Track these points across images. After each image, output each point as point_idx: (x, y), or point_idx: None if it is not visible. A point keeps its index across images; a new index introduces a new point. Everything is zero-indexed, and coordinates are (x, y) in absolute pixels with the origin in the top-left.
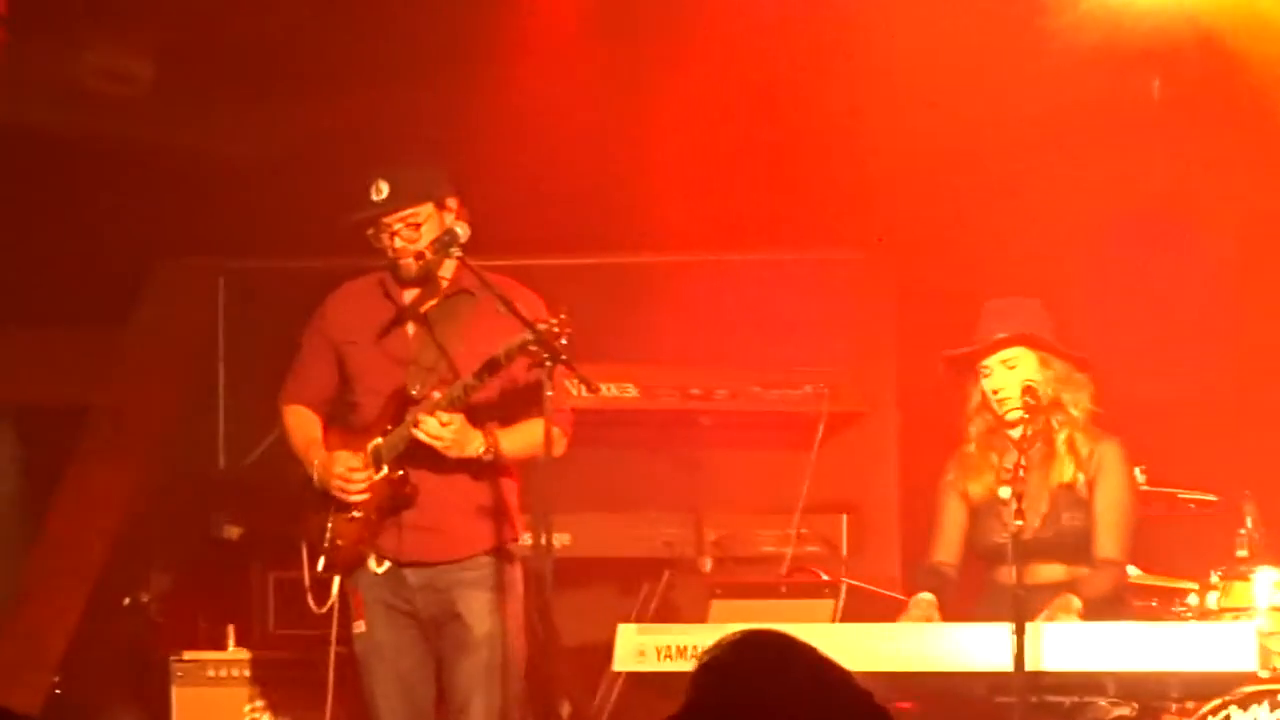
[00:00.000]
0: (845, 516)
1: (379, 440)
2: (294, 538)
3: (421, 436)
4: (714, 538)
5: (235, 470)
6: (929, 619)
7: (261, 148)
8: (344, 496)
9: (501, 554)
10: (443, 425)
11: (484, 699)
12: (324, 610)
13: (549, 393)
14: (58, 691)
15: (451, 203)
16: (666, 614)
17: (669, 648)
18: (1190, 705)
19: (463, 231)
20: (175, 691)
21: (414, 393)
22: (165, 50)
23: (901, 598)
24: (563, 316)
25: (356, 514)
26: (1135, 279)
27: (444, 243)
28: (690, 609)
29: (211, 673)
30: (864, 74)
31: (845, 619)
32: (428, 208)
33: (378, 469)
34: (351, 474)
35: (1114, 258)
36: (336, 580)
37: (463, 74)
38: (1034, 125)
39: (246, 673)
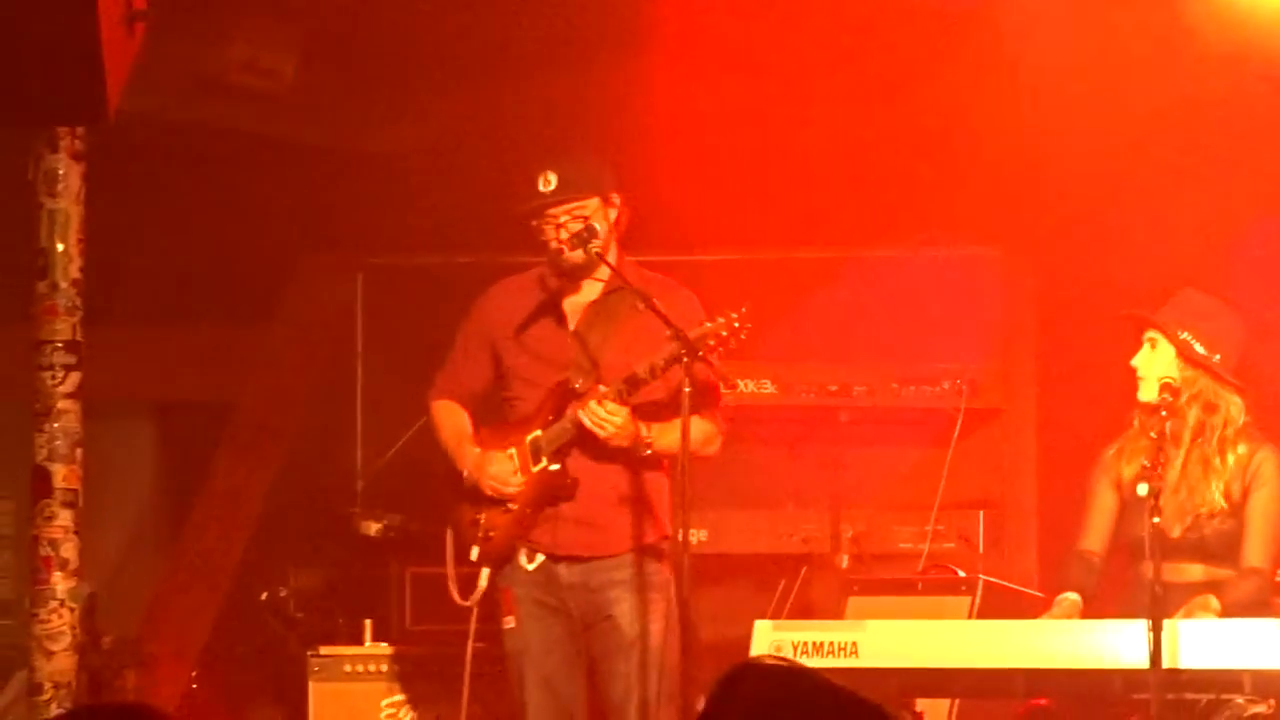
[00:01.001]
0: (982, 513)
1: (539, 433)
2: (441, 528)
3: (588, 422)
4: (851, 534)
5: (373, 466)
6: (1071, 616)
7: (403, 142)
8: (496, 494)
9: (654, 552)
10: (609, 414)
11: (639, 701)
12: (469, 603)
13: (687, 389)
14: (195, 687)
15: (616, 197)
16: (803, 610)
17: (805, 644)
18: None
19: (601, 228)
20: (312, 686)
21: (577, 386)
22: (308, 44)
23: (1039, 595)
24: (743, 310)
25: (511, 506)
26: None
27: (581, 239)
28: (827, 605)
29: (348, 668)
30: (1009, 70)
31: (981, 616)
32: (594, 201)
33: (536, 461)
34: (507, 476)
35: (1259, 256)
36: (485, 573)
37: (610, 65)
38: (1181, 121)
39: (384, 668)
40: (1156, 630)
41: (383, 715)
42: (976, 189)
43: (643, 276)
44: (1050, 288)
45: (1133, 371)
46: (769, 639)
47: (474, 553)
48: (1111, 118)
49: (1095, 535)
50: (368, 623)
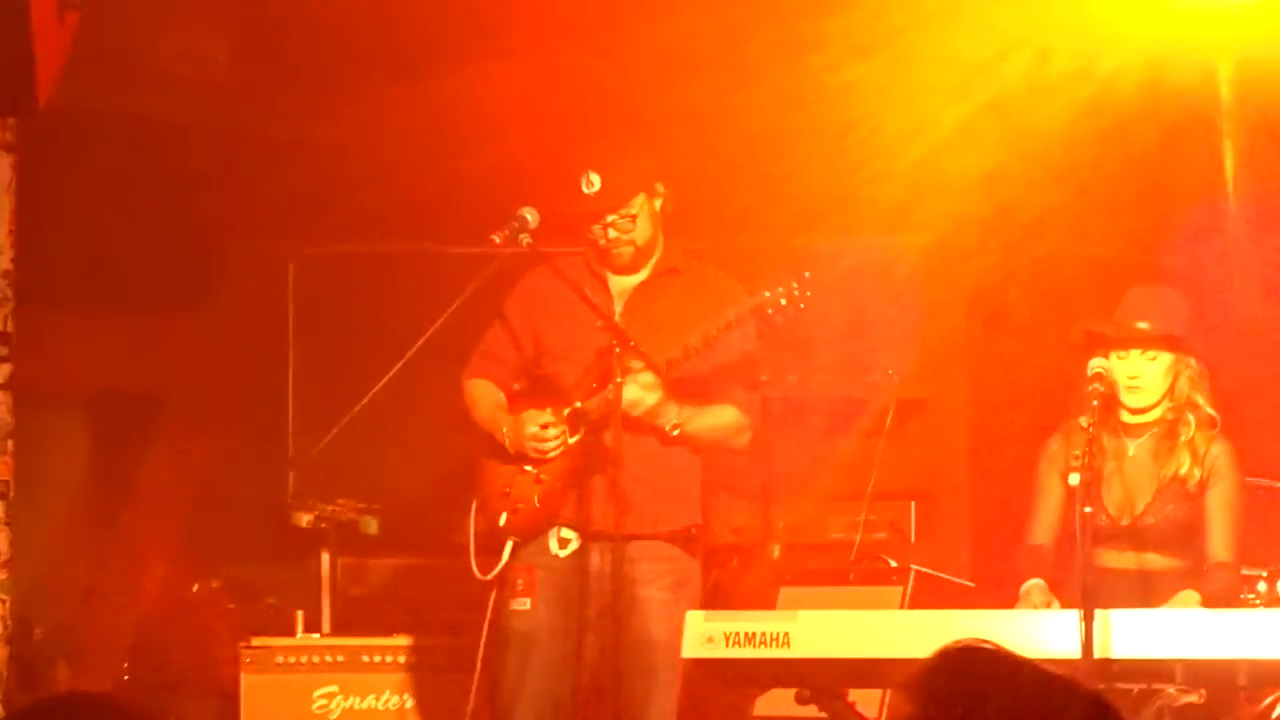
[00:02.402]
0: (914, 503)
1: (579, 404)
2: (377, 516)
3: (627, 396)
4: (783, 524)
5: (305, 457)
6: (1048, 605)
7: (337, 131)
8: (538, 453)
9: (686, 542)
10: (644, 388)
11: (660, 702)
12: (489, 577)
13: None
14: (126, 678)
15: (660, 187)
16: (735, 601)
17: (738, 634)
18: (1259, 694)
19: (532, 218)
20: (244, 678)
21: (620, 354)
22: (241, 32)
23: (970, 584)
24: (806, 276)
25: (544, 476)
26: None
27: (513, 229)
28: (759, 596)
29: (280, 659)
30: (929, 54)
31: (914, 606)
32: (640, 199)
33: (574, 432)
34: (545, 430)
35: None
36: (509, 546)
37: (553, 51)
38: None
39: (316, 659)
40: (1089, 620)
41: (314, 706)
42: (898, 176)
43: (690, 265)
44: (978, 275)
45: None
46: (700, 629)
47: (502, 518)
48: (1039, 99)
49: (1044, 527)
50: (299, 614)
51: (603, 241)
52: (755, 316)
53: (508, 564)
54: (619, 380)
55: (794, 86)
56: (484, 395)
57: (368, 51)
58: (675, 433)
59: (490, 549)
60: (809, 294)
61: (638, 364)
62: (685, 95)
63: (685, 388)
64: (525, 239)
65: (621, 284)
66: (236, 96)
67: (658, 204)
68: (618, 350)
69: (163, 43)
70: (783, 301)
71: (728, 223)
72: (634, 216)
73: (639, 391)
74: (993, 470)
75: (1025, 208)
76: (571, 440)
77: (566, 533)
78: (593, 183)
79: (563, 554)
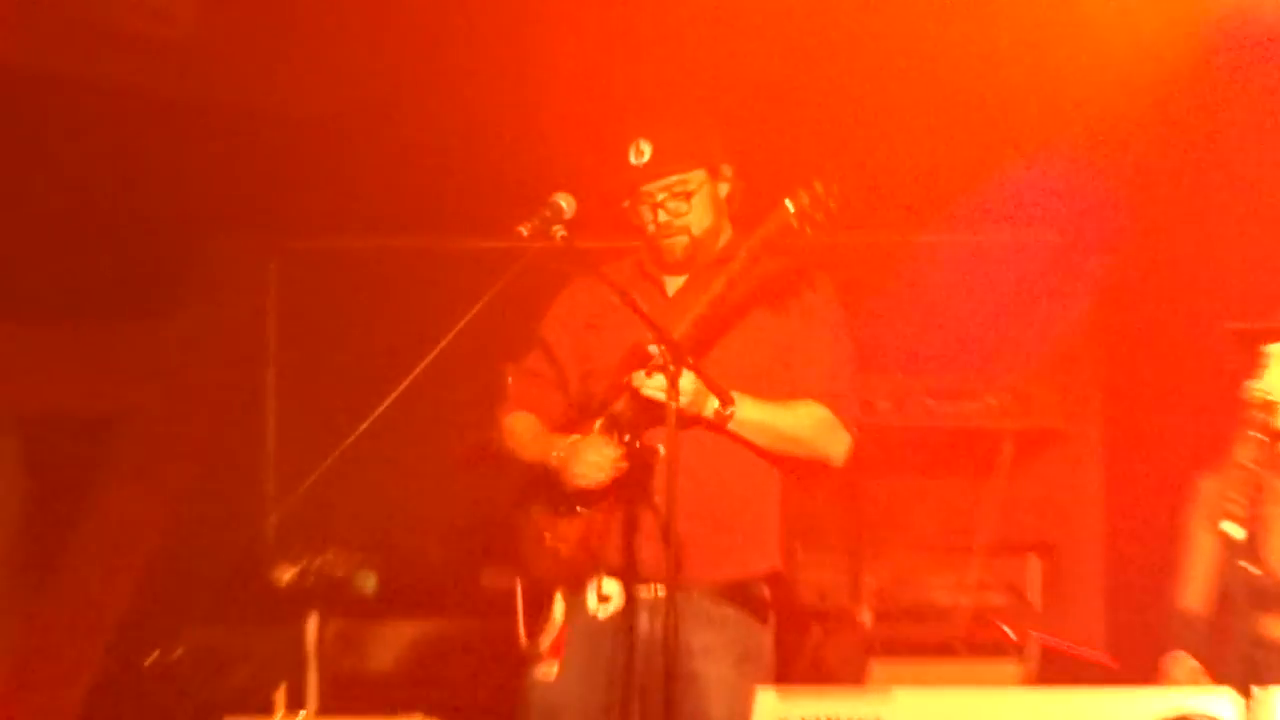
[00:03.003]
0: (1036, 558)
1: (613, 410)
2: (381, 571)
3: (646, 389)
4: (874, 585)
5: (288, 498)
6: (1198, 683)
7: (327, 104)
8: (593, 482)
9: (756, 598)
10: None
11: None
12: (542, 649)
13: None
14: None
15: (727, 169)
16: (817, 676)
17: (818, 718)
18: None
19: (567, 205)
20: None
21: (652, 350)
22: None
23: (1106, 660)
24: (829, 173)
25: (581, 509)
26: None
27: (545, 219)
28: (845, 670)
29: None
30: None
31: (1035, 684)
32: (699, 174)
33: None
34: (603, 454)
35: None
36: (559, 602)
37: (582, 13)
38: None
39: None
40: (1249, 701)
41: None
42: (1023, 162)
43: (762, 263)
44: (1118, 280)
45: (1227, 387)
46: (773, 712)
47: (544, 558)
48: (1193, 85)
49: (1194, 589)
50: (280, 689)
51: (652, 227)
52: (779, 236)
53: (531, 621)
54: (640, 374)
55: (895, 59)
56: (522, 426)
57: (365, 8)
58: (728, 412)
59: (519, 607)
60: (836, 193)
61: (654, 348)
62: (760, 63)
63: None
64: (559, 231)
65: (680, 280)
66: (206, 61)
67: (723, 190)
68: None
69: None
70: (806, 202)
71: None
72: (689, 194)
73: (662, 379)
74: (1133, 517)
75: (1168, 196)
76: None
77: (609, 586)
78: (643, 151)
79: (602, 613)
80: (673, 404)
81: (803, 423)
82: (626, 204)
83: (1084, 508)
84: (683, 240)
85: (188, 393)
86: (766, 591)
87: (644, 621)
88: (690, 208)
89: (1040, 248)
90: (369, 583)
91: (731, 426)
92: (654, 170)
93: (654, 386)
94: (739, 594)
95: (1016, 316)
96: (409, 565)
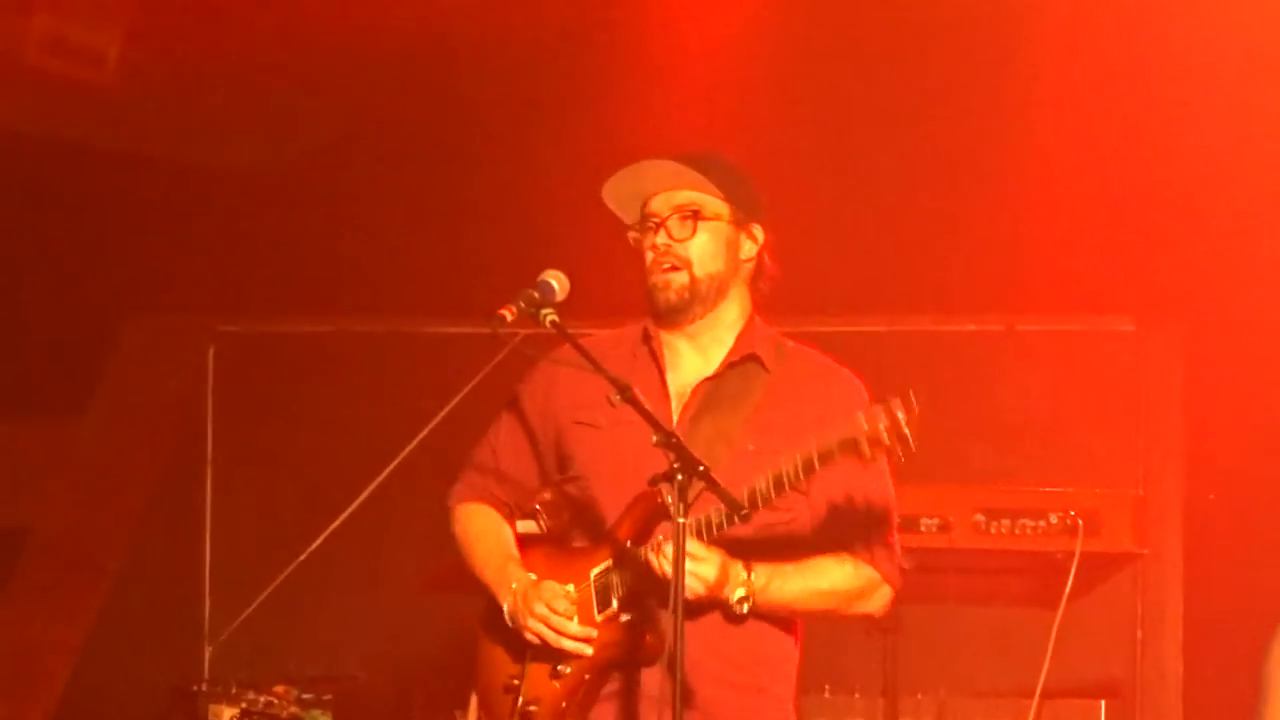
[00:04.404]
0: (1104, 703)
1: (608, 564)
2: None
3: (657, 566)
4: None
5: (228, 625)
6: None
7: (266, 156)
8: (552, 641)
9: None
10: (697, 560)
11: None
12: None
13: (681, 519)
14: None
15: (758, 231)
16: None
17: None
18: None
19: (559, 285)
20: None
21: (668, 501)
22: (138, 19)
23: None
24: (910, 396)
25: (564, 669)
26: None
27: (533, 301)
28: None
29: None
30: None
31: None
32: (718, 204)
33: (603, 606)
34: (566, 611)
35: None
36: None
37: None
38: None
39: None
40: None
41: None
42: (1097, 246)
43: (783, 348)
44: (1202, 376)
45: None
46: None
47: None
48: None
49: None
50: None
51: (650, 254)
52: (844, 457)
53: None
54: (660, 540)
55: (957, 135)
56: (482, 529)
57: (311, 54)
58: (744, 609)
59: None
60: (917, 418)
61: (700, 517)
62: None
63: (752, 543)
64: (549, 316)
65: (683, 377)
66: (132, 108)
67: (746, 249)
68: (677, 480)
69: (31, 29)
70: (883, 430)
71: (863, 303)
72: (700, 218)
73: (692, 561)
74: (1213, 657)
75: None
76: (599, 617)
77: None
78: (661, 164)
79: None
80: (680, 519)
81: (837, 592)
82: (634, 235)
83: (1158, 645)
84: (682, 278)
85: (112, 498)
86: None
87: None
88: (697, 236)
89: (1112, 338)
90: None
91: (745, 610)
92: (666, 181)
93: (701, 578)
94: None
95: (1083, 419)
96: (368, 706)
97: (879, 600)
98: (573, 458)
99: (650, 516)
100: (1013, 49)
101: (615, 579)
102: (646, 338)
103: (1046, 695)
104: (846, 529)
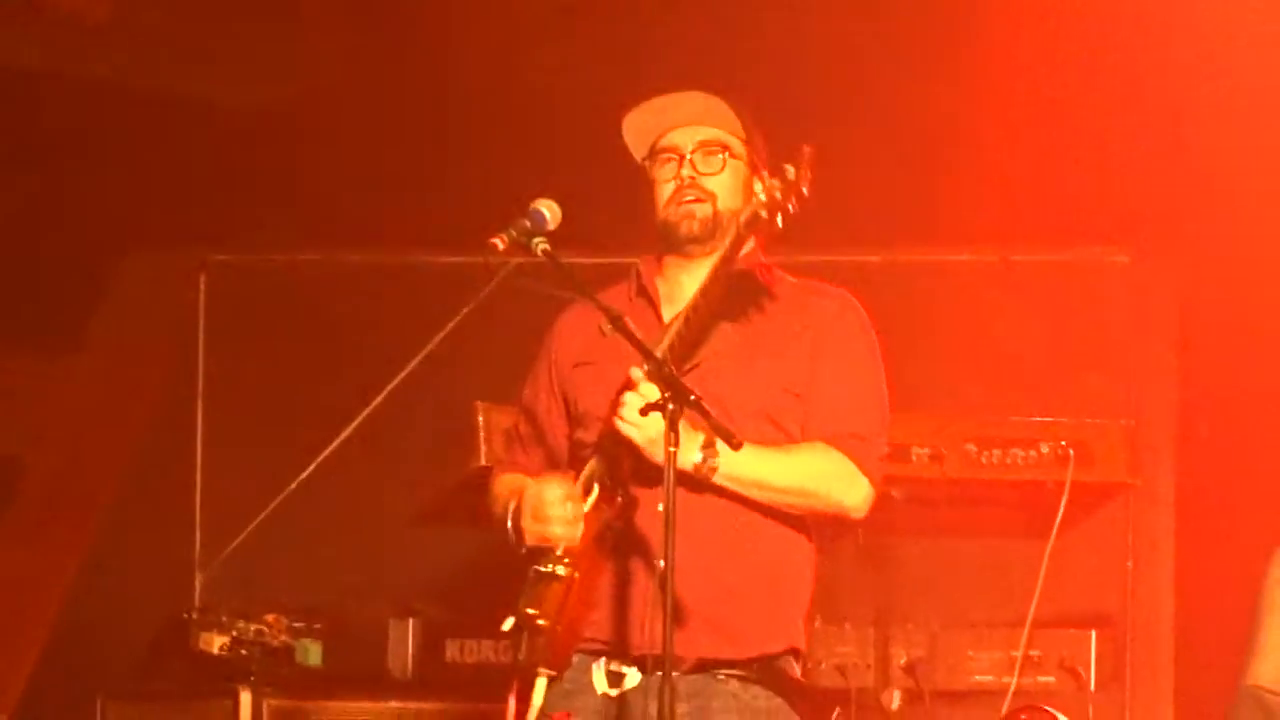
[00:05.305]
0: (1094, 633)
1: (591, 464)
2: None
3: (619, 425)
4: (904, 661)
5: (217, 555)
6: None
7: (266, 95)
8: (543, 539)
9: (786, 673)
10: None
11: None
12: None
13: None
14: None
15: (768, 177)
16: None
17: None
18: None
19: (551, 214)
20: None
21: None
22: None
23: None
24: (805, 150)
25: (559, 570)
26: None
27: (524, 230)
28: None
29: None
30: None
31: None
32: (739, 144)
33: (587, 495)
34: (551, 505)
35: None
36: (540, 686)
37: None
38: None
39: None
40: None
41: None
42: (1091, 177)
43: (775, 276)
44: (1196, 308)
45: None
46: None
47: (523, 645)
48: None
49: (1272, 664)
50: None
51: (671, 184)
52: (750, 230)
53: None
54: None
55: (950, 65)
56: (505, 486)
57: None
58: (712, 466)
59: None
60: (807, 176)
61: (636, 373)
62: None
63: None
64: (541, 245)
65: (679, 307)
66: (128, 45)
67: (758, 189)
68: (668, 410)
69: None
70: (778, 195)
71: (857, 234)
72: (727, 154)
73: (631, 411)
74: (1205, 586)
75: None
76: (587, 507)
77: (617, 665)
78: (680, 101)
79: (613, 692)
80: (671, 448)
81: (809, 470)
82: (647, 162)
83: (1150, 575)
84: (706, 209)
85: (103, 432)
86: (796, 668)
87: (648, 703)
88: (723, 169)
89: (1106, 269)
90: (312, 655)
91: (718, 480)
92: (691, 116)
93: (632, 423)
94: (767, 674)
95: (1076, 350)
96: (359, 635)
97: (858, 493)
98: (578, 401)
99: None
100: None
101: (596, 466)
102: (639, 278)
103: (1037, 625)
104: (825, 421)
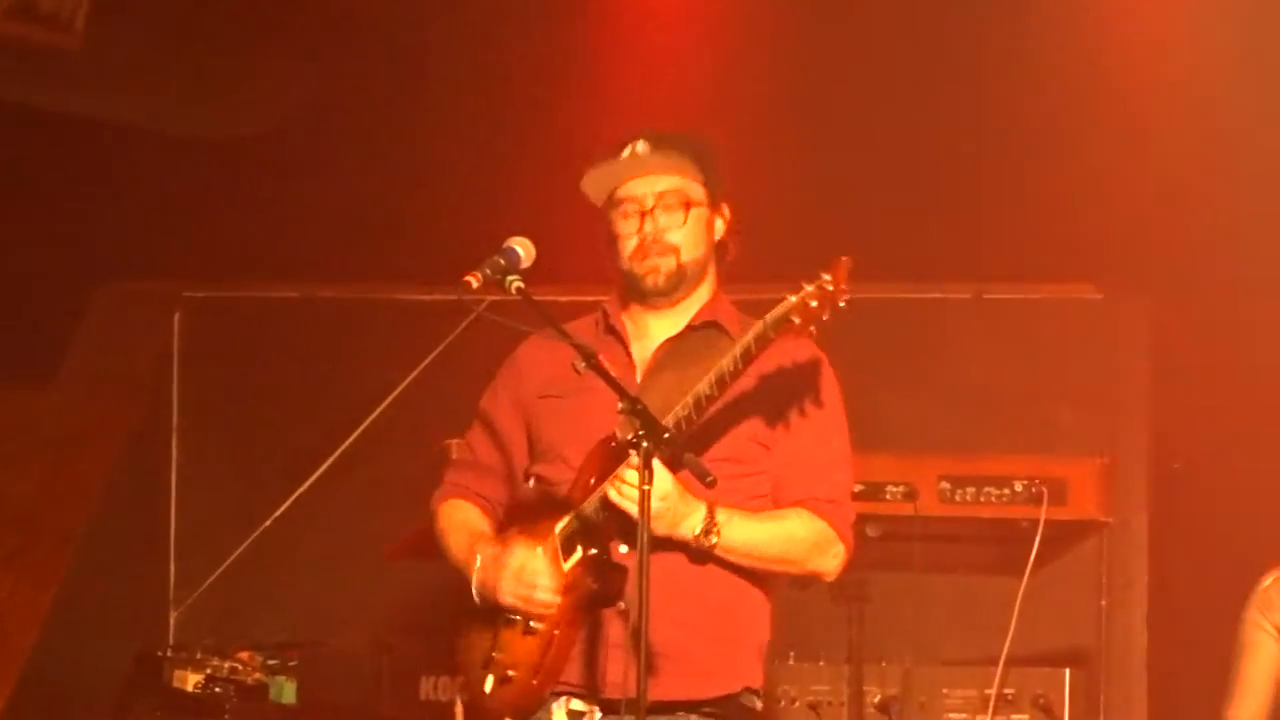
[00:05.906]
0: (1069, 671)
1: (571, 515)
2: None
3: (613, 495)
4: (878, 699)
5: (192, 592)
6: None
7: (242, 126)
8: (524, 604)
9: (748, 708)
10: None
11: None
12: None
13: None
14: None
15: (727, 211)
16: None
17: None
18: None
19: (525, 252)
20: None
21: (626, 438)
22: None
23: None
24: (842, 260)
25: (536, 625)
26: None
27: (498, 268)
28: None
29: None
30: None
31: None
32: (700, 189)
33: (568, 555)
34: (536, 576)
35: None
36: None
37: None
38: None
39: None
40: None
41: None
42: (1064, 214)
43: (746, 322)
44: (1169, 344)
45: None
46: None
47: (488, 683)
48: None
49: (1251, 704)
50: None
51: (633, 240)
52: (780, 333)
53: None
54: (618, 473)
55: (924, 102)
56: (456, 524)
57: (292, 18)
58: (707, 544)
59: None
60: (844, 289)
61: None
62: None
63: (730, 488)
64: (514, 283)
65: (648, 346)
66: (103, 75)
67: (718, 226)
68: (642, 448)
69: None
70: (812, 304)
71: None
72: (688, 205)
73: (628, 481)
74: (1180, 623)
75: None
76: (566, 566)
77: (578, 704)
78: (639, 150)
79: None
80: (645, 486)
81: (794, 540)
82: (610, 214)
83: (1124, 613)
84: (669, 263)
85: (76, 467)
86: (758, 703)
87: None
88: (685, 223)
89: (1078, 306)
90: (286, 693)
91: (718, 552)
92: (649, 166)
93: (632, 499)
94: (730, 711)
95: (1049, 387)
96: (334, 673)
97: (834, 558)
98: (541, 434)
99: (609, 460)
100: (981, 19)
101: (576, 525)
102: (606, 317)
103: (1011, 663)
104: (804, 485)
